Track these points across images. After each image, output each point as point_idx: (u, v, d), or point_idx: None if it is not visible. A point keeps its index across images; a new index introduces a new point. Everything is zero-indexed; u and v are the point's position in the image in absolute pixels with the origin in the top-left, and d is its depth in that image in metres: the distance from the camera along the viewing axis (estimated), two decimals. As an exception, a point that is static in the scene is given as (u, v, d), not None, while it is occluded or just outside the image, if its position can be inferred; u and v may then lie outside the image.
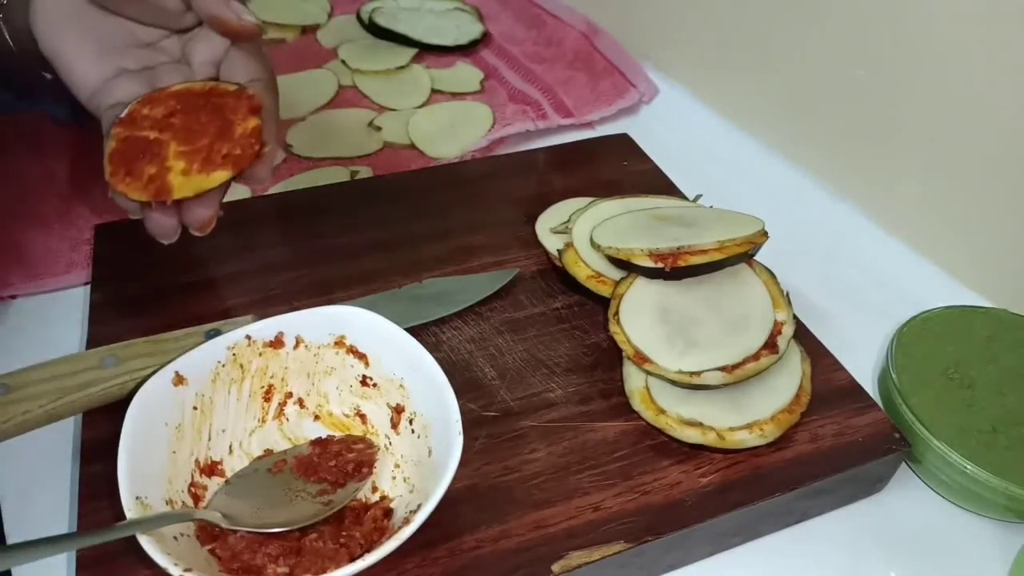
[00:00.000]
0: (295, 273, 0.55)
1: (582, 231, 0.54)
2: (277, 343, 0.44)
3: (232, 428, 0.44)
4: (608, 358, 0.50)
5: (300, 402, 0.46)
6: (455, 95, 0.80)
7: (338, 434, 0.45)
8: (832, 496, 0.46)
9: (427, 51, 0.85)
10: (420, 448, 0.42)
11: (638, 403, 0.46)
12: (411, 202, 0.62)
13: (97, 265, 0.54)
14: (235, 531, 0.38)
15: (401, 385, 0.44)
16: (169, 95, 0.44)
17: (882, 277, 0.63)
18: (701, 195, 0.61)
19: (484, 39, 0.88)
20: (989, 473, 0.44)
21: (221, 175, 0.43)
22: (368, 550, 0.35)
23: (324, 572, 0.35)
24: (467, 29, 0.88)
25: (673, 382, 0.46)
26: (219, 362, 0.43)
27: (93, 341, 0.48)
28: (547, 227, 0.57)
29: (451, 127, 0.74)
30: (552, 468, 0.44)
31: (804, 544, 0.45)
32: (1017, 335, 0.52)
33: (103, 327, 0.49)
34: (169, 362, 0.41)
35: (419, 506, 0.36)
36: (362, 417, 0.45)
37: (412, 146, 0.72)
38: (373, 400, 0.45)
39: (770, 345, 0.47)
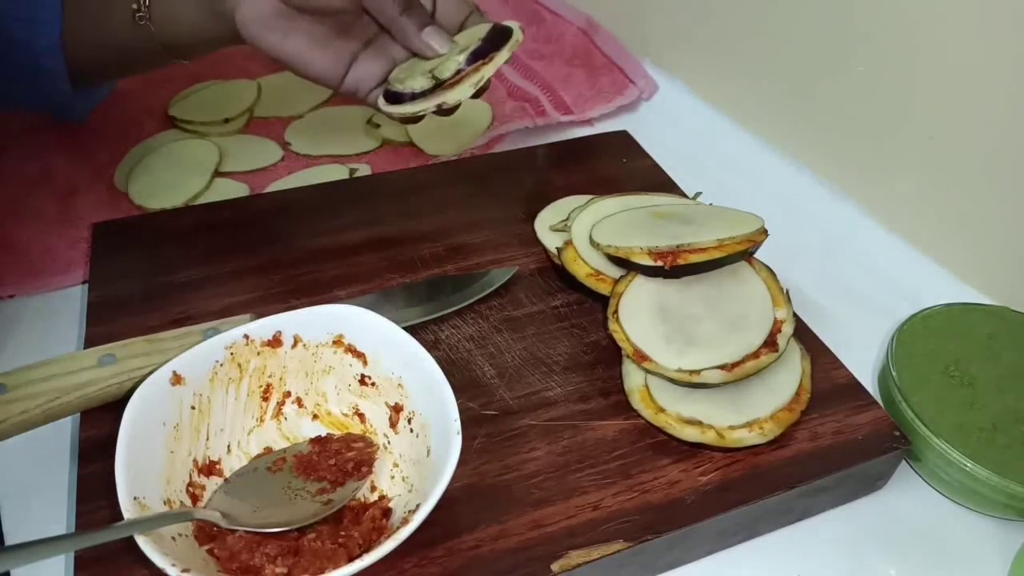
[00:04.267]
0: (293, 272, 0.55)
1: (581, 229, 0.54)
2: (275, 342, 0.44)
3: (230, 428, 0.44)
4: (607, 356, 0.50)
5: (298, 401, 0.46)
6: (454, 92, 0.79)
7: (337, 433, 0.45)
8: (832, 494, 0.46)
9: (426, 48, 0.85)
10: (419, 447, 0.42)
11: (637, 401, 0.46)
12: (409, 200, 0.62)
13: (95, 264, 0.54)
14: (234, 531, 0.38)
15: (400, 384, 0.43)
16: None
17: (882, 275, 0.62)
18: (701, 192, 0.61)
19: (483, 36, 0.87)
20: (989, 471, 0.44)
21: None
22: (367, 550, 0.35)
23: (322, 572, 0.34)
24: (466, 26, 0.88)
25: (672, 380, 0.46)
26: (217, 361, 0.43)
27: (91, 340, 0.48)
28: (546, 225, 0.57)
29: (450, 125, 0.74)
30: (551, 467, 0.44)
31: (804, 542, 0.45)
32: (1018, 333, 0.52)
33: (101, 326, 0.49)
34: (167, 361, 0.41)
35: (418, 506, 0.36)
36: (360, 416, 0.45)
37: (411, 144, 0.72)
38: (371, 399, 0.45)
39: (770, 343, 0.47)
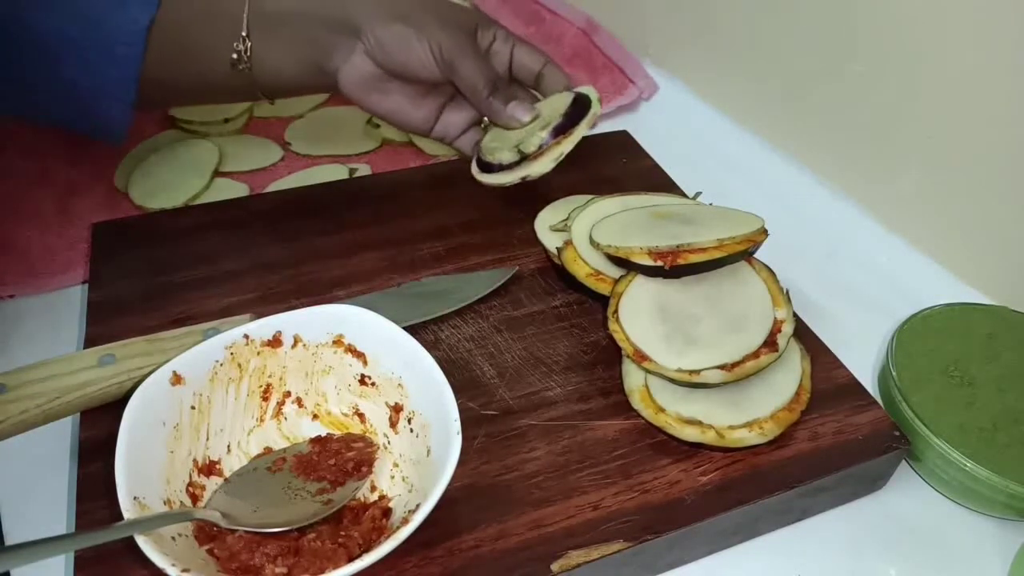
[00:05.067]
0: (293, 271, 0.55)
1: (581, 229, 0.54)
2: (275, 342, 0.44)
3: (230, 427, 0.44)
4: (607, 356, 0.50)
5: (298, 401, 0.46)
6: (454, 92, 0.79)
7: (337, 433, 0.45)
8: (832, 494, 0.46)
9: (426, 48, 0.85)
10: (419, 447, 0.42)
11: (637, 401, 0.46)
12: (410, 200, 0.62)
13: (95, 264, 0.54)
14: (234, 531, 0.38)
15: (400, 384, 0.43)
16: None
17: (882, 274, 0.62)
18: (701, 192, 0.61)
19: (483, 36, 0.87)
20: (989, 471, 0.44)
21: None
22: (367, 550, 0.35)
23: (322, 572, 0.34)
24: (466, 26, 0.88)
25: (672, 380, 0.46)
26: (217, 361, 0.43)
27: (91, 340, 0.48)
28: (546, 225, 0.57)
29: (450, 124, 0.74)
30: (551, 467, 0.44)
31: (804, 542, 0.45)
32: (1017, 333, 0.52)
33: (101, 326, 0.49)
34: (167, 361, 0.41)
35: (418, 505, 0.36)
36: (360, 416, 0.45)
37: (410, 143, 0.72)
38: (371, 399, 0.45)
39: (770, 343, 0.47)
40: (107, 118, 0.55)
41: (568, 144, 0.55)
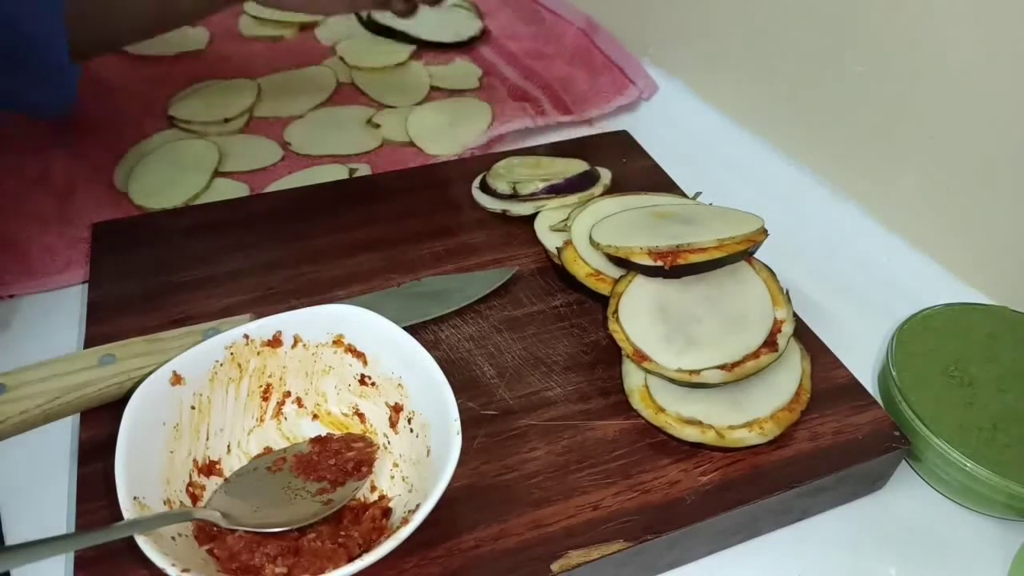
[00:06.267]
0: (293, 271, 0.55)
1: (581, 229, 0.54)
2: (275, 342, 0.44)
3: (230, 427, 0.44)
4: (607, 356, 0.50)
5: (298, 401, 0.46)
6: (453, 92, 0.79)
7: (337, 433, 0.45)
8: (832, 494, 0.46)
9: (426, 48, 0.85)
10: (419, 447, 0.42)
11: (637, 401, 0.46)
12: (410, 200, 0.62)
13: (95, 264, 0.54)
14: (234, 531, 0.38)
15: (400, 384, 0.43)
16: None
17: (882, 274, 0.62)
18: (701, 192, 0.61)
19: (483, 36, 0.88)
20: (989, 471, 0.44)
21: None
22: (367, 550, 0.35)
23: (322, 572, 0.34)
24: (466, 25, 0.88)
25: (672, 380, 0.46)
26: (217, 361, 0.43)
27: (91, 340, 0.48)
28: (546, 225, 0.57)
29: (450, 124, 0.74)
30: (551, 467, 0.44)
31: (804, 542, 0.45)
32: (1018, 333, 0.52)
33: (101, 326, 0.49)
34: (167, 361, 0.41)
35: (418, 505, 0.36)
36: (360, 416, 0.45)
37: (411, 143, 0.72)
38: (371, 399, 0.45)
39: (770, 343, 0.47)
40: (44, 74, 0.55)
41: (551, 203, 0.59)
